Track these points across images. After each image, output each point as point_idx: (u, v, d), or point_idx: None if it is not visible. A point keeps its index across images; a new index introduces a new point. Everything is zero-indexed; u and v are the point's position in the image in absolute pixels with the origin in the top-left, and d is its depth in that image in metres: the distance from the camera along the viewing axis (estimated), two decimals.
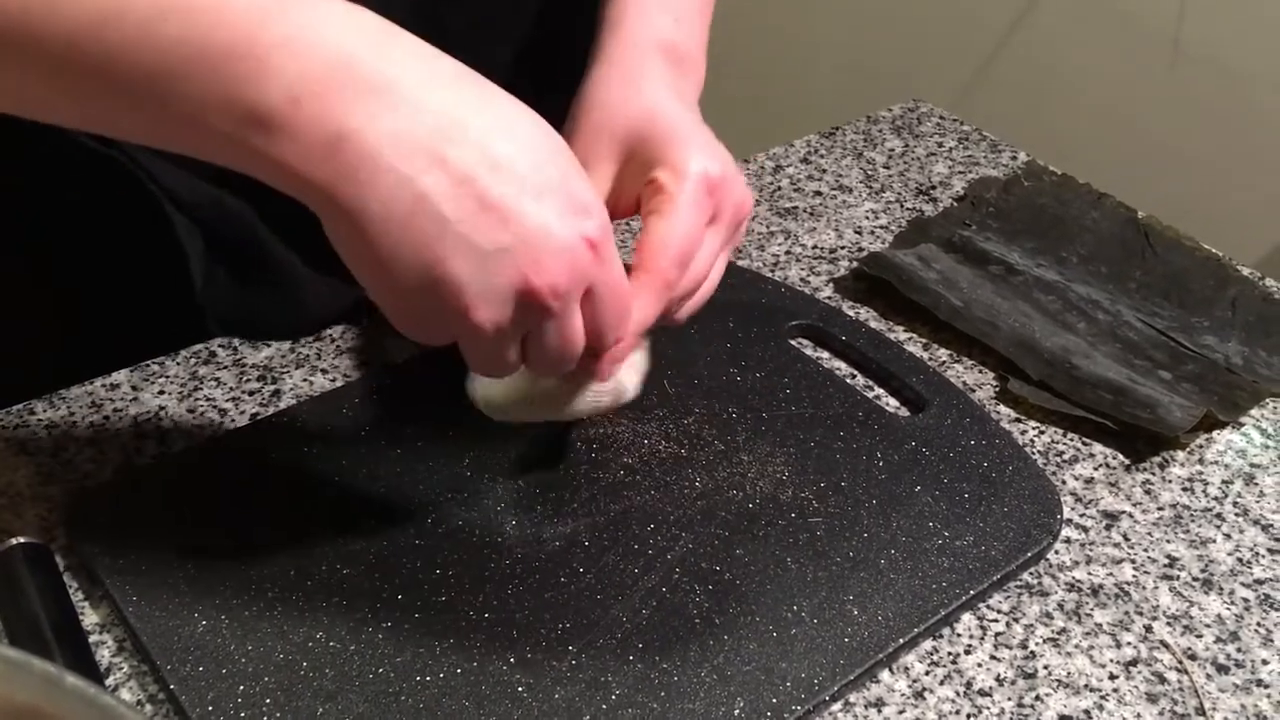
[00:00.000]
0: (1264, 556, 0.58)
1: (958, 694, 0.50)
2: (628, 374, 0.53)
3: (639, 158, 0.51)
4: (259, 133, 0.39)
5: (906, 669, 0.51)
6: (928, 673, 0.51)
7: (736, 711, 0.47)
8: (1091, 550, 0.57)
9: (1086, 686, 0.51)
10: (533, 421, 0.54)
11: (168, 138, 0.41)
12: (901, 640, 0.50)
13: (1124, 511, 0.60)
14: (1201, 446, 0.64)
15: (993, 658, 0.52)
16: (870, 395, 0.65)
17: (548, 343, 0.44)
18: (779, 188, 0.84)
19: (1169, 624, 0.54)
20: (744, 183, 0.53)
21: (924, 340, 0.70)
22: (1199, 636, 0.54)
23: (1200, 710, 0.50)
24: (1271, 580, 0.57)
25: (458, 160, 0.40)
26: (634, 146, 0.52)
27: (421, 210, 0.40)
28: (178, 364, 0.64)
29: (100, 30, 0.37)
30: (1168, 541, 0.58)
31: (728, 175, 0.51)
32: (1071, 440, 0.64)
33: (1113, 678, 0.51)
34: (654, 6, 0.57)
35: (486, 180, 0.40)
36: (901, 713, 0.49)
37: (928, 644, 0.52)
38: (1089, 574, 0.56)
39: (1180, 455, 0.64)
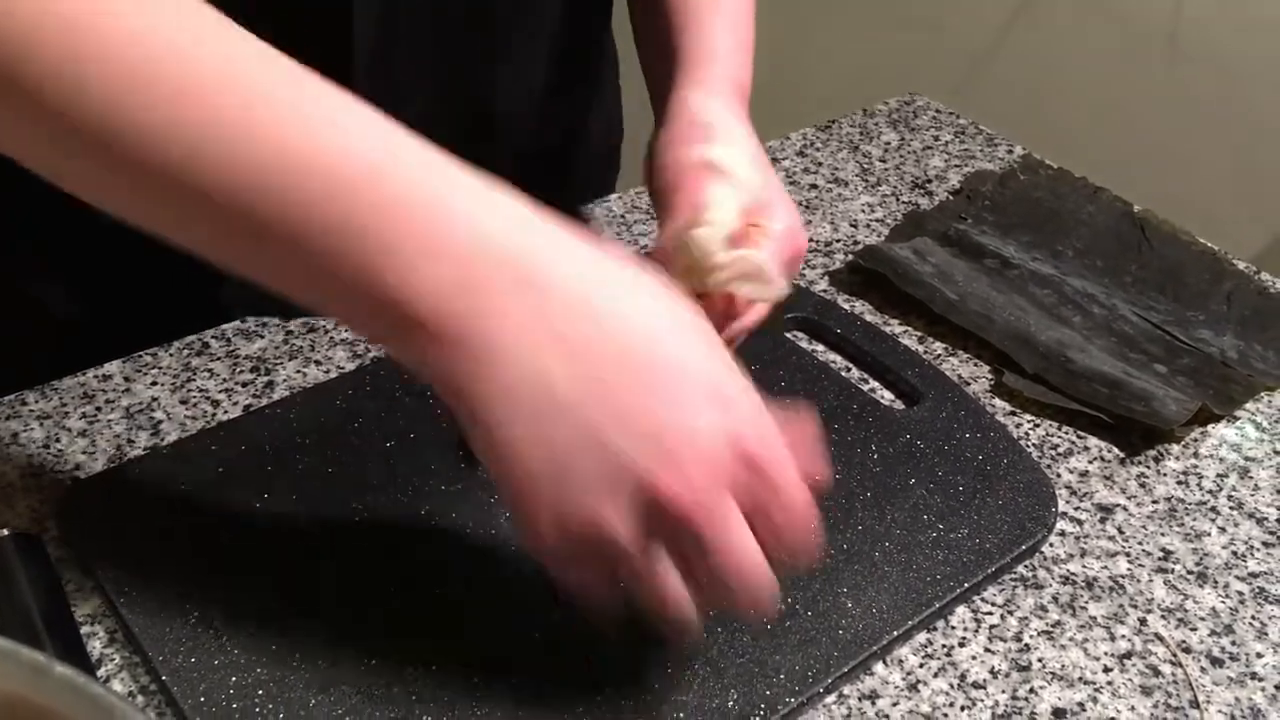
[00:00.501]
0: (1258, 550, 0.58)
1: (952, 686, 0.50)
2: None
3: None
4: (397, 325, 0.38)
5: (900, 661, 0.51)
6: (922, 665, 0.51)
7: (730, 703, 0.47)
8: (1086, 543, 0.57)
9: (1081, 679, 0.51)
10: None
11: (318, 302, 0.40)
12: (895, 633, 0.50)
13: (1119, 505, 0.60)
14: (1196, 440, 0.64)
15: (987, 650, 0.52)
16: (865, 388, 0.65)
17: (707, 564, 0.39)
18: None
19: (1163, 617, 0.54)
20: (800, 223, 0.55)
21: (919, 333, 0.70)
22: (1193, 629, 0.54)
23: (1195, 703, 0.50)
24: (1266, 574, 0.57)
25: (585, 349, 0.38)
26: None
27: (548, 401, 0.38)
28: (170, 355, 0.64)
29: (261, 194, 0.37)
30: (1162, 535, 0.58)
31: (795, 226, 0.54)
32: (1066, 433, 0.64)
33: (1107, 670, 0.51)
34: (722, 35, 0.60)
35: (616, 374, 0.38)
36: (895, 705, 0.49)
37: (922, 636, 0.52)
38: (1083, 567, 0.56)
39: (1175, 449, 0.64)
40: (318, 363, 0.64)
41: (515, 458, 0.39)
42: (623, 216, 0.79)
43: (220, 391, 0.62)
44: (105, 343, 0.64)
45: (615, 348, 0.39)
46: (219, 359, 0.64)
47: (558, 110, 0.75)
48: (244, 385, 0.62)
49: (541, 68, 0.71)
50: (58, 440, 0.58)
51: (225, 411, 0.61)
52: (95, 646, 0.49)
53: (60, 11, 0.36)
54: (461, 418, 0.40)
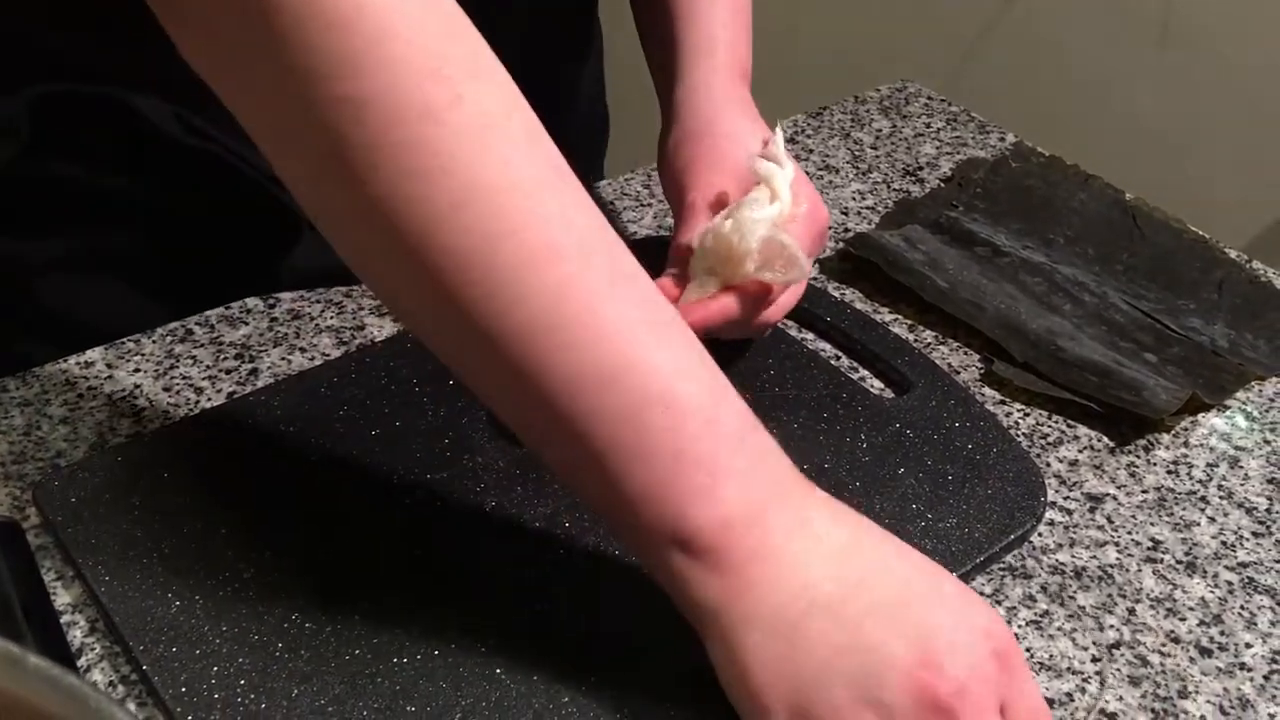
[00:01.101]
0: (1248, 540, 0.58)
1: None
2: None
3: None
4: (679, 546, 0.41)
5: None
6: None
7: (720, 693, 0.46)
8: (1075, 533, 0.57)
9: (1069, 669, 0.51)
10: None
11: (603, 508, 0.43)
12: None
13: (1108, 494, 0.59)
14: (1186, 429, 0.64)
15: None
16: (855, 377, 0.64)
17: None
18: None
19: (1152, 607, 0.54)
20: (819, 199, 0.60)
21: (909, 321, 0.70)
22: (1182, 619, 0.53)
23: (1183, 693, 0.50)
24: (1255, 563, 0.56)
25: (856, 580, 0.41)
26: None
27: (808, 616, 0.40)
28: (153, 342, 0.63)
29: (594, 394, 0.40)
30: (1152, 524, 0.58)
31: (823, 218, 0.59)
32: (1056, 422, 0.64)
33: (1095, 660, 0.51)
34: (723, 24, 0.62)
35: (882, 586, 0.41)
36: None
37: None
38: (1072, 556, 0.56)
39: (1165, 438, 0.63)
40: (302, 350, 0.64)
41: (777, 667, 0.40)
42: (612, 204, 0.78)
43: (204, 378, 0.61)
44: (88, 329, 0.63)
45: (883, 575, 0.42)
46: (202, 346, 0.63)
47: (537, 90, 0.75)
48: (228, 372, 0.62)
49: (518, 49, 0.71)
50: (39, 427, 0.57)
51: (209, 399, 0.60)
52: (76, 636, 0.48)
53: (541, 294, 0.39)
54: (710, 637, 0.42)
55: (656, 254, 0.57)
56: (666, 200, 0.61)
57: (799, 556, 0.41)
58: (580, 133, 0.83)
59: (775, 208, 0.55)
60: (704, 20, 0.61)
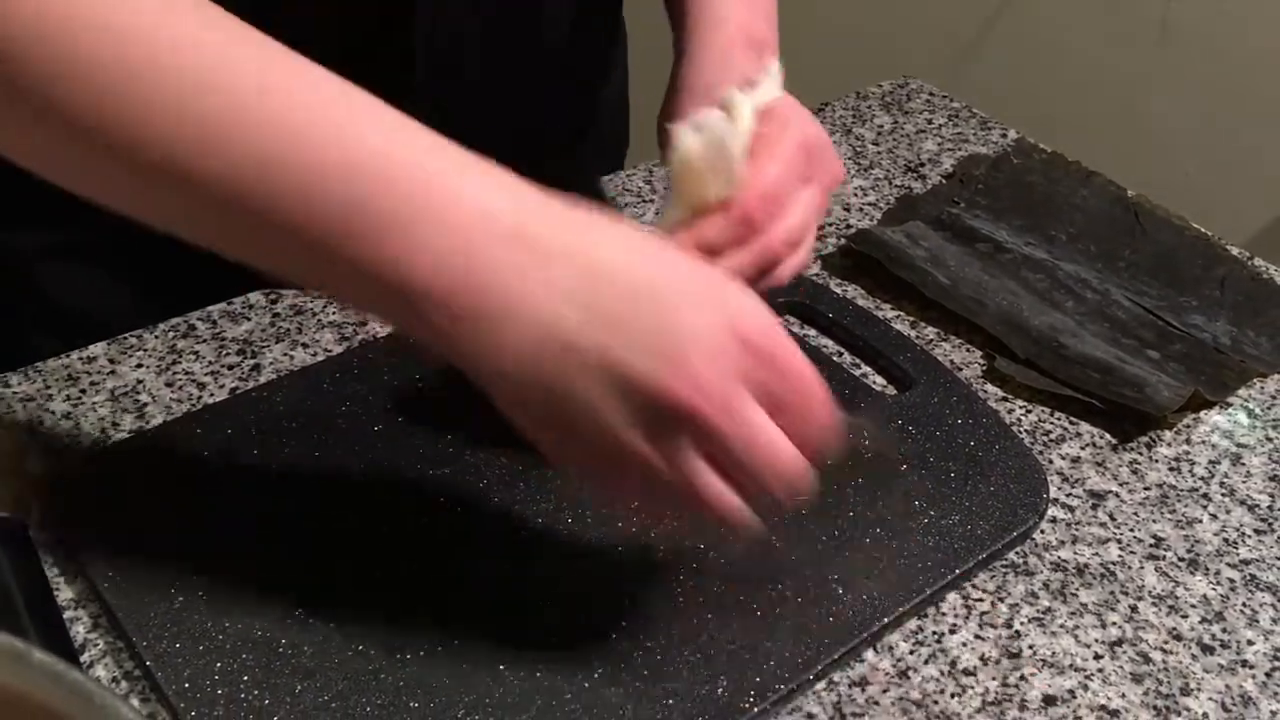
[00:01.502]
0: (1250, 537, 0.58)
1: (942, 673, 0.50)
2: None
3: None
4: (405, 301, 0.40)
5: (891, 648, 0.51)
6: (912, 652, 0.51)
7: (720, 690, 0.47)
8: (1078, 530, 0.57)
9: (1071, 666, 0.51)
10: None
11: (326, 284, 0.43)
12: (886, 619, 0.50)
13: (1110, 491, 0.60)
14: (1189, 426, 0.64)
15: (977, 637, 0.51)
16: (857, 373, 0.64)
17: (731, 455, 0.41)
18: None
19: (1154, 604, 0.54)
20: (837, 155, 0.54)
21: (911, 318, 0.70)
22: (1184, 617, 0.53)
23: (1185, 690, 0.50)
24: (1257, 560, 0.56)
25: (594, 299, 0.40)
26: None
27: (561, 345, 0.39)
28: (156, 337, 0.63)
29: (262, 178, 0.39)
30: (1154, 521, 0.58)
31: (824, 141, 0.53)
32: (1058, 419, 0.64)
33: (1098, 657, 0.51)
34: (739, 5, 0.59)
35: (624, 309, 0.40)
36: (885, 691, 0.49)
37: (913, 623, 0.52)
38: (1075, 554, 0.56)
39: (1167, 435, 0.63)
40: (305, 345, 0.63)
41: (534, 403, 0.41)
42: (614, 199, 0.78)
43: (206, 374, 0.61)
44: (90, 325, 0.63)
45: (622, 290, 0.40)
46: (205, 341, 0.63)
47: (568, 89, 0.75)
48: (230, 368, 0.62)
49: (556, 48, 0.70)
50: (41, 423, 0.57)
51: (211, 394, 0.60)
52: (79, 632, 0.48)
53: (56, 8, 0.37)
54: (479, 382, 0.41)
55: None
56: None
57: (530, 287, 0.40)
58: (599, 151, 0.83)
59: (724, 124, 0.50)
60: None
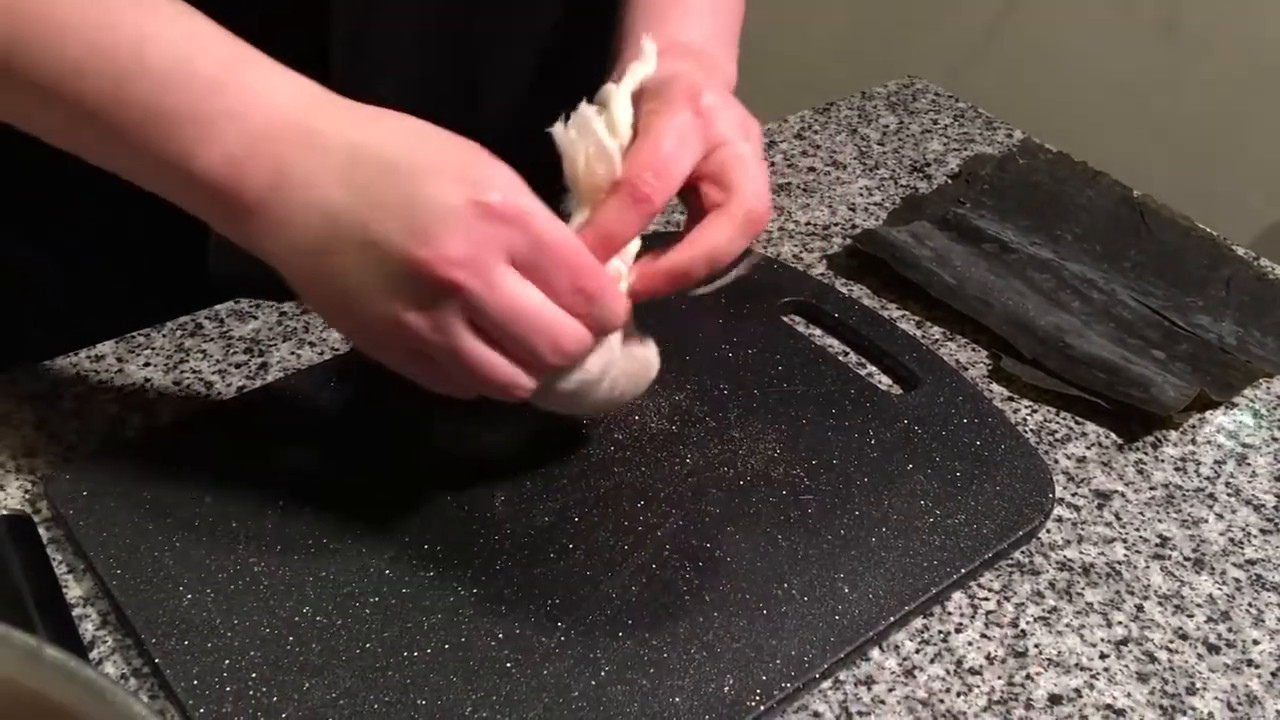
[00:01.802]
0: (1255, 537, 0.58)
1: (948, 672, 0.50)
2: (646, 347, 0.52)
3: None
4: (207, 196, 0.43)
5: (897, 647, 0.51)
6: (918, 651, 0.51)
7: (726, 689, 0.47)
8: (1083, 529, 0.57)
9: (1077, 665, 0.51)
10: (580, 411, 0.52)
11: (147, 182, 0.45)
12: (892, 618, 0.50)
13: (1116, 491, 0.60)
14: (1194, 426, 0.64)
15: (983, 636, 0.52)
16: (863, 373, 0.64)
17: (491, 320, 0.43)
18: (772, 163, 0.83)
19: (1160, 604, 0.54)
20: (743, 109, 0.52)
21: (917, 318, 0.70)
22: (1190, 616, 0.53)
23: (1191, 689, 0.50)
24: (1263, 560, 0.56)
25: (365, 184, 0.42)
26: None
27: (333, 229, 0.42)
28: (164, 336, 0.63)
29: (76, 81, 0.43)
30: (1159, 521, 0.58)
31: (719, 102, 0.50)
32: (1064, 419, 0.64)
33: (1103, 657, 0.51)
34: (678, 19, 0.57)
35: (383, 188, 0.42)
36: (891, 690, 0.49)
37: (918, 622, 0.52)
38: (1080, 553, 0.56)
39: (1173, 435, 0.63)
40: (311, 344, 0.64)
41: (319, 285, 0.44)
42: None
43: (214, 373, 0.61)
44: (98, 323, 0.63)
45: (380, 168, 0.42)
46: (212, 340, 0.63)
47: (545, 114, 0.74)
48: (237, 367, 0.62)
49: (530, 73, 0.70)
50: (50, 421, 0.58)
51: (219, 393, 0.60)
52: (88, 629, 0.49)
53: None
54: (276, 268, 0.45)
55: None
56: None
57: (311, 178, 0.42)
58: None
59: (592, 112, 0.49)
60: (672, 22, 0.58)
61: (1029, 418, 0.64)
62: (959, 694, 0.49)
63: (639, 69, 0.51)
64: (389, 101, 0.44)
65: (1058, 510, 0.58)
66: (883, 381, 0.64)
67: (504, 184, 0.42)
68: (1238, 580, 0.55)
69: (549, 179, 0.65)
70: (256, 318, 0.65)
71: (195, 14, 0.45)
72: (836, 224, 0.77)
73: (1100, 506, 0.59)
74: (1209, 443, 0.63)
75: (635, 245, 0.50)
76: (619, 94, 0.50)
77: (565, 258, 0.43)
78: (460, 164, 0.42)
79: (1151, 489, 0.60)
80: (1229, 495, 0.60)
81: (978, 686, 0.49)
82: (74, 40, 0.43)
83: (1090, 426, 0.63)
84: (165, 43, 0.43)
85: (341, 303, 0.44)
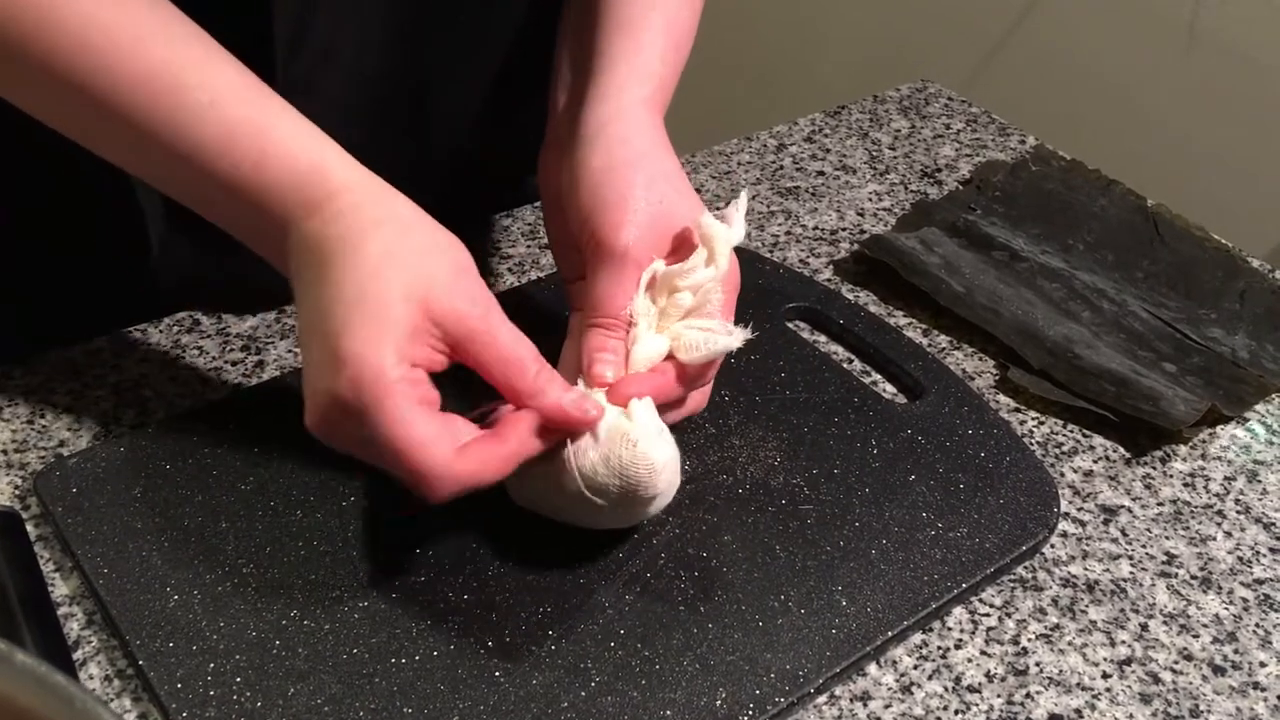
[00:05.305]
0: (1265, 556, 0.57)
1: (946, 689, 0.49)
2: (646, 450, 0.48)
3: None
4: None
5: (895, 663, 0.50)
6: (916, 667, 0.50)
7: (718, 702, 0.46)
8: (1088, 545, 0.56)
9: (1079, 685, 0.50)
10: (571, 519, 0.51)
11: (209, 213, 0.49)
12: (890, 633, 0.49)
13: (1123, 506, 0.58)
14: (1205, 441, 0.63)
15: (983, 653, 0.51)
16: (867, 381, 0.63)
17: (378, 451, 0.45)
18: (781, 166, 0.82)
19: (1165, 623, 0.53)
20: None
21: (924, 326, 0.69)
22: (1195, 636, 0.52)
23: (1195, 712, 0.49)
24: (1272, 580, 0.55)
25: (318, 288, 0.46)
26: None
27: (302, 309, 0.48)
28: (160, 332, 0.63)
29: (154, 116, 0.46)
30: (1167, 538, 0.57)
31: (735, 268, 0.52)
32: (1071, 432, 0.63)
33: (1106, 676, 0.50)
34: (653, 44, 0.56)
35: (318, 312, 0.46)
36: (888, 707, 0.48)
37: (917, 637, 0.51)
38: (1085, 569, 0.55)
39: (1182, 450, 0.62)
40: None
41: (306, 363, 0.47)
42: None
43: (210, 370, 0.61)
44: (93, 318, 0.63)
45: (323, 312, 0.45)
46: (209, 336, 0.63)
47: (499, 124, 0.72)
48: (234, 364, 0.61)
49: (482, 69, 0.69)
50: (42, 416, 0.57)
51: (214, 390, 0.59)
52: (73, 628, 0.48)
53: None
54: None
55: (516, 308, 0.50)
56: (553, 223, 0.57)
57: (300, 270, 0.47)
58: (526, 170, 0.81)
59: (710, 271, 0.50)
60: (647, 46, 0.57)
61: (1035, 429, 0.63)
62: (957, 712, 0.48)
63: (736, 232, 0.51)
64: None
65: (1063, 525, 0.57)
66: (887, 390, 0.63)
67: (367, 377, 0.43)
68: (1245, 600, 0.54)
69: (497, 179, 0.66)
70: (253, 315, 0.65)
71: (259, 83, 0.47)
72: (845, 229, 0.76)
73: (1106, 522, 0.57)
74: (1219, 458, 0.62)
75: (664, 346, 0.51)
76: (723, 259, 0.51)
77: (394, 453, 0.44)
78: (347, 350, 0.44)
79: (1159, 505, 0.59)
80: (1238, 513, 0.59)
81: (976, 705, 0.48)
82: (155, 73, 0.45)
83: (1098, 440, 0.62)
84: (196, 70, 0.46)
85: (307, 378, 0.47)
